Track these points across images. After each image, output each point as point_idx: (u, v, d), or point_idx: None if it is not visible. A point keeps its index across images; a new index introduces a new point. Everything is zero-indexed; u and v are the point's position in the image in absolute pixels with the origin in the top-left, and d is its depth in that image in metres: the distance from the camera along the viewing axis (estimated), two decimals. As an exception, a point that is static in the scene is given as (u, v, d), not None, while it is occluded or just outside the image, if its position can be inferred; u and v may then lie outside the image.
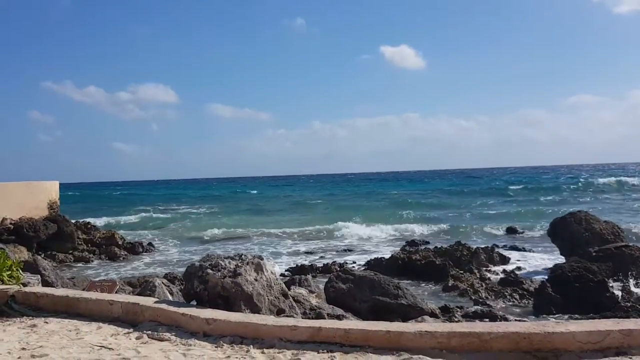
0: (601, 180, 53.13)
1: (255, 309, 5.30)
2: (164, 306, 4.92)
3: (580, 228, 13.58)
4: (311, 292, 8.83)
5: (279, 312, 5.57)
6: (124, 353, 4.06)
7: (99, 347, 4.22)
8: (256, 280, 5.54)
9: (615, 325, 3.62)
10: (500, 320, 8.53)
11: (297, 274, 12.30)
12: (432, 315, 8.00)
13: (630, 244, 13.08)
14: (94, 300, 5.34)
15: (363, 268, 13.94)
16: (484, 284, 12.31)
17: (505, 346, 3.63)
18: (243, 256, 5.76)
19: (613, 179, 53.29)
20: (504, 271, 13.82)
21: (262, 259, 5.81)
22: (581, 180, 58.96)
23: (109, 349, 4.17)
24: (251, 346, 4.12)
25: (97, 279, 9.78)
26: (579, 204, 33.40)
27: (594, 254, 12.08)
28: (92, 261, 17.94)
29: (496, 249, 16.37)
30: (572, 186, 50.29)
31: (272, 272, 5.97)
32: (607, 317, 7.98)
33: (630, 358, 3.43)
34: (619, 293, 10.59)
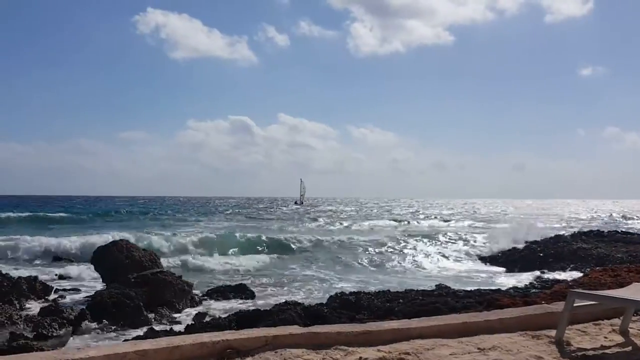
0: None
1: None
2: None
3: (122, 256, 14.63)
4: None
5: None
6: None
7: None
8: None
9: (133, 347, 4.01)
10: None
11: None
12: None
13: (165, 270, 14.80)
14: None
15: None
16: (22, 316, 11.95)
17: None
18: None
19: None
20: (46, 300, 13.69)
21: None
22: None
23: None
24: None
25: None
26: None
27: (132, 280, 13.22)
28: None
29: (39, 279, 16.01)
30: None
31: None
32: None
33: None
34: (152, 315, 11.88)
